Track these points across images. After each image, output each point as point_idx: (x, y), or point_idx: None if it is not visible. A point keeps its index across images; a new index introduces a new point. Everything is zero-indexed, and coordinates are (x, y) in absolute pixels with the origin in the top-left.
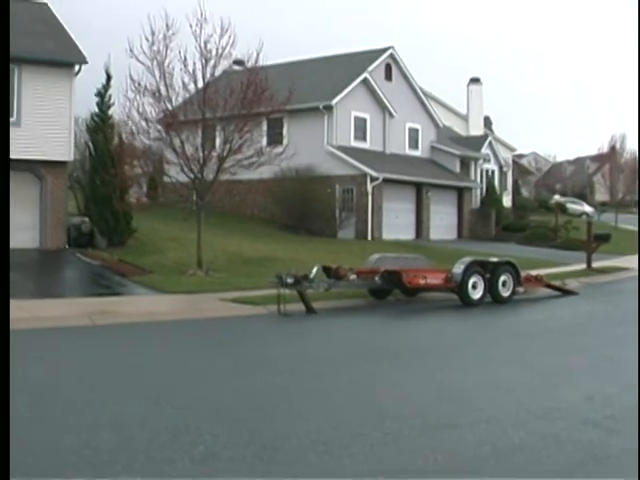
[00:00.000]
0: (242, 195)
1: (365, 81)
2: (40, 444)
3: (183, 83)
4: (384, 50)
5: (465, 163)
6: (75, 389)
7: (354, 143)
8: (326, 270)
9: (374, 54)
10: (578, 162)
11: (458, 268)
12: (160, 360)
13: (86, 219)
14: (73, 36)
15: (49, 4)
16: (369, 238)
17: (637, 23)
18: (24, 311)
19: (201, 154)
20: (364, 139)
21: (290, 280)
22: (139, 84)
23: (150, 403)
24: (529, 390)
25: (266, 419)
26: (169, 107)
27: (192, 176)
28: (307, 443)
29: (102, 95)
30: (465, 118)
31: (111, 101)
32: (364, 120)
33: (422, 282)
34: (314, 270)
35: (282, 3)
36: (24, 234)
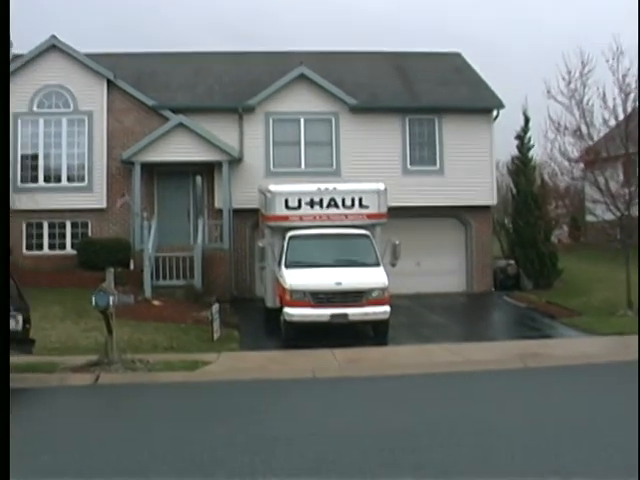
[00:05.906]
0: None
1: None
2: None
3: (603, 119)
4: None
5: None
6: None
7: None
8: None
9: None
10: None
11: None
12: (587, 404)
13: (511, 262)
14: (488, 81)
15: (462, 53)
16: None
17: None
18: (456, 355)
19: (626, 190)
20: None
21: None
22: (559, 124)
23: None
24: None
25: None
26: (590, 144)
27: (618, 214)
28: None
29: (521, 137)
30: None
31: (530, 143)
32: None
33: None
34: None
35: None
36: (452, 278)
